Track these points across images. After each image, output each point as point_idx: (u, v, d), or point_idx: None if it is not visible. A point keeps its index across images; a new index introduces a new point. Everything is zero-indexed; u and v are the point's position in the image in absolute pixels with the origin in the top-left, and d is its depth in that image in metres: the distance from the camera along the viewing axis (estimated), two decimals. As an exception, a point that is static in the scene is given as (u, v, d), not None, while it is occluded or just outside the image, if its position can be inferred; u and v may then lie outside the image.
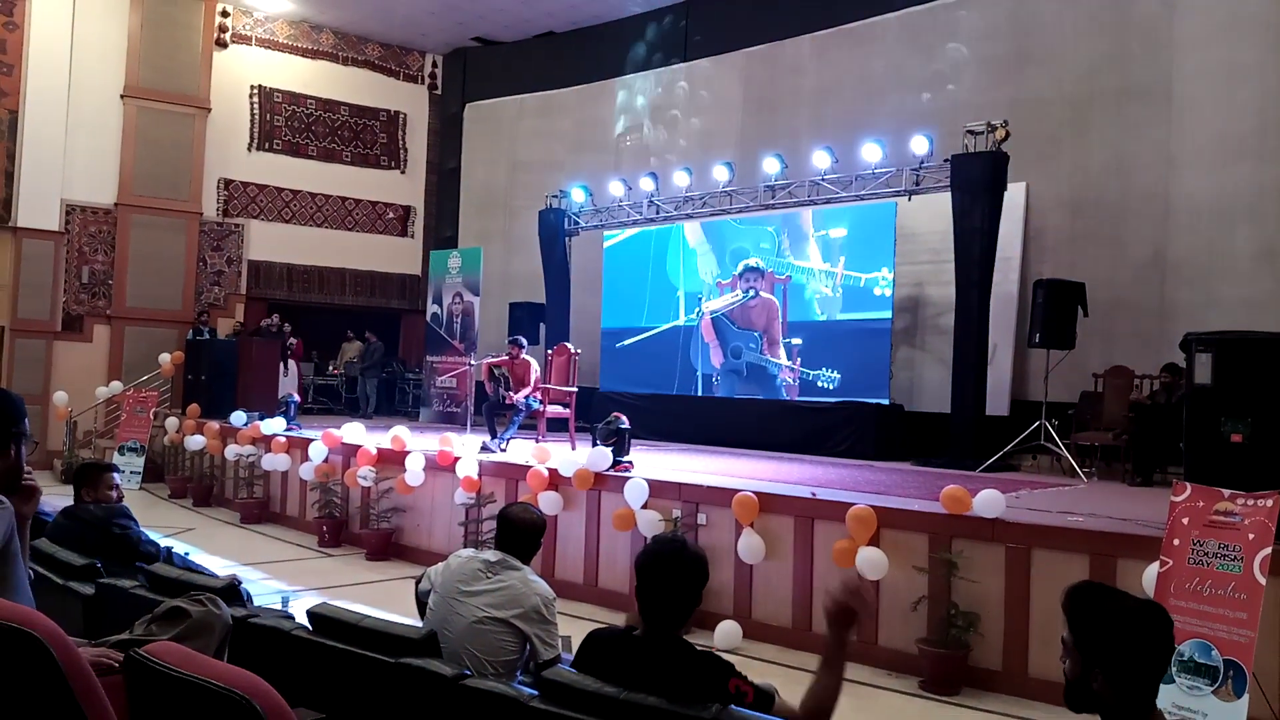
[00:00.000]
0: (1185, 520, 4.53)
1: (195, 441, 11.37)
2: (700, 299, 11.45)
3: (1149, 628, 1.93)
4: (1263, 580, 4.20)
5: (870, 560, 5.61)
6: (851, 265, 10.32)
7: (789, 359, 10.57)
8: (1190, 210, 9.55)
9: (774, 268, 10.91)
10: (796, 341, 10.57)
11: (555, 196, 13.44)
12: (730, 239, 11.50)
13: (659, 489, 6.78)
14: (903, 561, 5.62)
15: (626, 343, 12.34)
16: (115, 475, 4.75)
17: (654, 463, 8.18)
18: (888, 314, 10.08)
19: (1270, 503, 4.32)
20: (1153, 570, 4.59)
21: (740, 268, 11.21)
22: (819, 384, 10.34)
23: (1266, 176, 8.99)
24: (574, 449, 8.86)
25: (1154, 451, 8.06)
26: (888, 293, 10.10)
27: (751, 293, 10.95)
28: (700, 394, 11.51)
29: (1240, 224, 9.12)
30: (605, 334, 12.82)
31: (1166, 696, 4.14)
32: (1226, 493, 4.48)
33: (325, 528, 9.02)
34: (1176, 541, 4.52)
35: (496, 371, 9.52)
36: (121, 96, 14.27)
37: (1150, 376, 8.95)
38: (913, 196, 10.09)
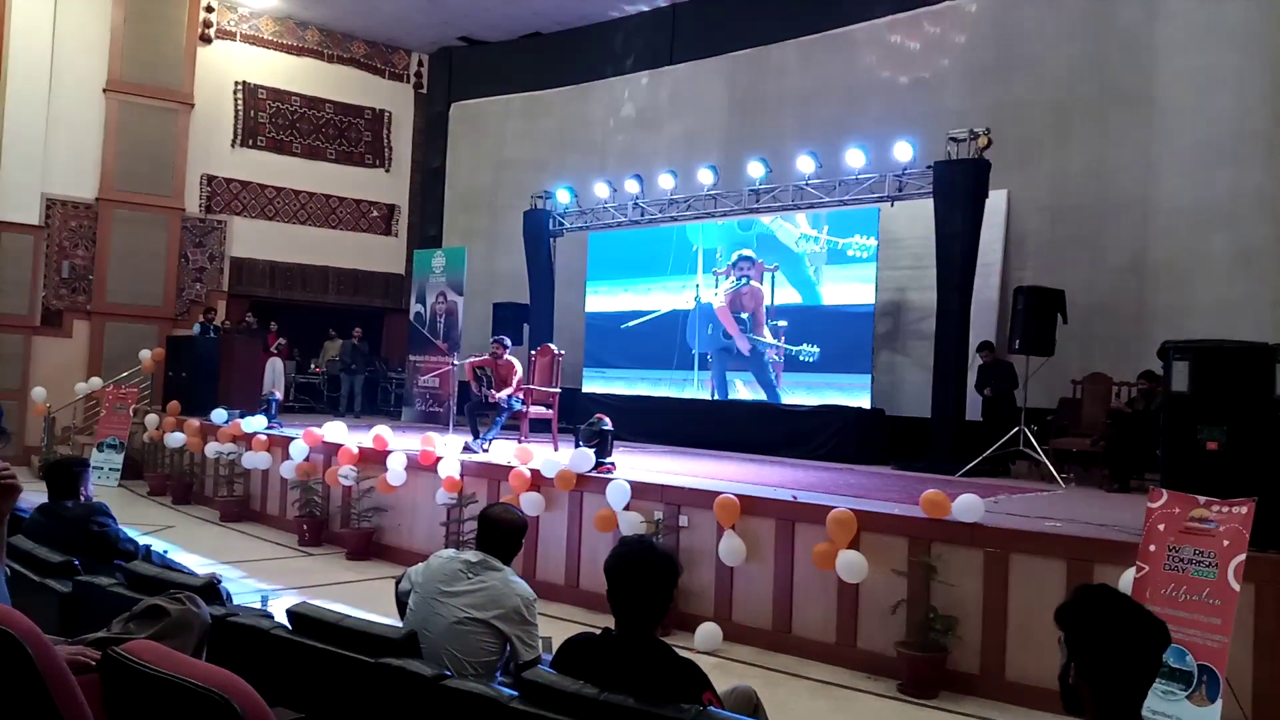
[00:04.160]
0: (1161, 526, 4.58)
1: (175, 439, 11.30)
2: (716, 255, 11.74)
3: (1135, 638, 1.91)
4: (1237, 586, 4.25)
5: (850, 563, 5.64)
6: (834, 233, 10.75)
7: (774, 339, 11.09)
8: (1169, 215, 9.65)
9: (769, 232, 11.32)
10: (782, 323, 11.03)
11: (540, 197, 13.44)
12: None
13: (641, 490, 6.79)
14: (882, 565, 5.65)
15: (631, 324, 12.54)
16: (90, 473, 4.71)
17: (636, 464, 8.18)
18: (869, 289, 10.38)
19: (1245, 509, 4.36)
20: (1129, 575, 4.63)
21: (735, 257, 11.55)
22: (801, 358, 10.79)
23: (1244, 181, 9.10)
24: (556, 450, 8.86)
25: (1131, 458, 8.14)
26: (864, 255, 10.39)
27: (745, 280, 11.39)
28: (696, 370, 11.79)
29: (1218, 229, 9.23)
30: (591, 316, 12.98)
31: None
32: (1202, 499, 4.53)
33: (306, 527, 8.98)
34: (1153, 547, 4.56)
35: (479, 371, 9.51)
36: (104, 90, 14.16)
37: (1128, 383, 9.04)
38: (895, 202, 10.15)
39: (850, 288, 10.51)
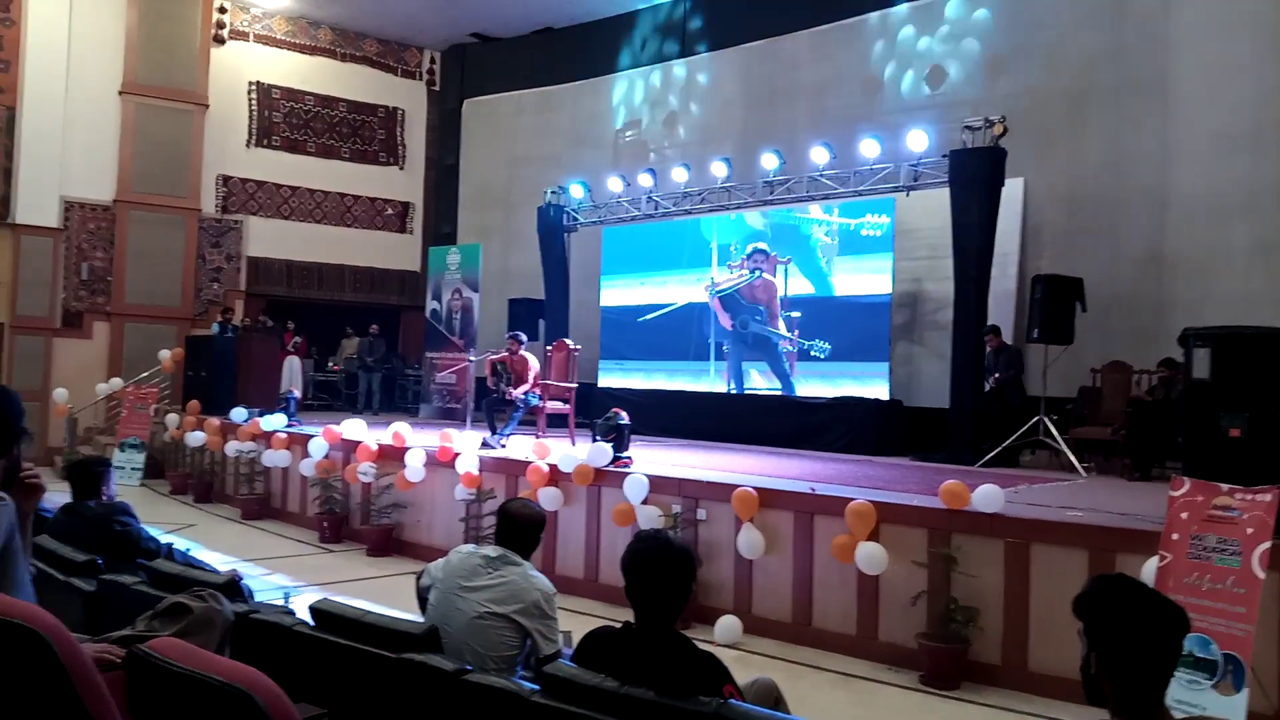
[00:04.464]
0: (1184, 515, 4.54)
1: (196, 438, 11.38)
2: (731, 249, 11.86)
3: (1153, 625, 1.89)
4: (1261, 574, 4.21)
5: (869, 555, 5.62)
6: (845, 215, 10.84)
7: (789, 330, 11.19)
8: (1187, 205, 9.56)
9: (781, 221, 11.45)
10: (795, 315, 11.10)
11: (554, 192, 13.43)
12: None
13: (659, 484, 6.79)
14: (902, 556, 5.63)
15: (648, 317, 12.60)
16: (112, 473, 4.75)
17: (654, 458, 8.18)
18: (881, 280, 10.41)
19: (1269, 497, 4.32)
20: (1152, 565, 4.60)
21: (750, 249, 11.63)
22: (812, 353, 10.86)
23: (1262, 172, 9.00)
24: (574, 445, 8.88)
25: (1152, 446, 8.07)
26: (876, 234, 10.43)
27: (757, 273, 11.50)
28: (713, 360, 11.87)
29: (1236, 219, 9.13)
30: (607, 310, 13.03)
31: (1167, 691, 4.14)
32: (1225, 487, 4.49)
33: (326, 524, 9.03)
34: (1175, 536, 4.53)
35: (498, 366, 9.54)
36: (119, 92, 14.25)
37: (1148, 371, 8.97)
38: (910, 192, 10.10)
39: (863, 278, 10.52)
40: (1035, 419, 8.70)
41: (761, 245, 11.48)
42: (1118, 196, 10.10)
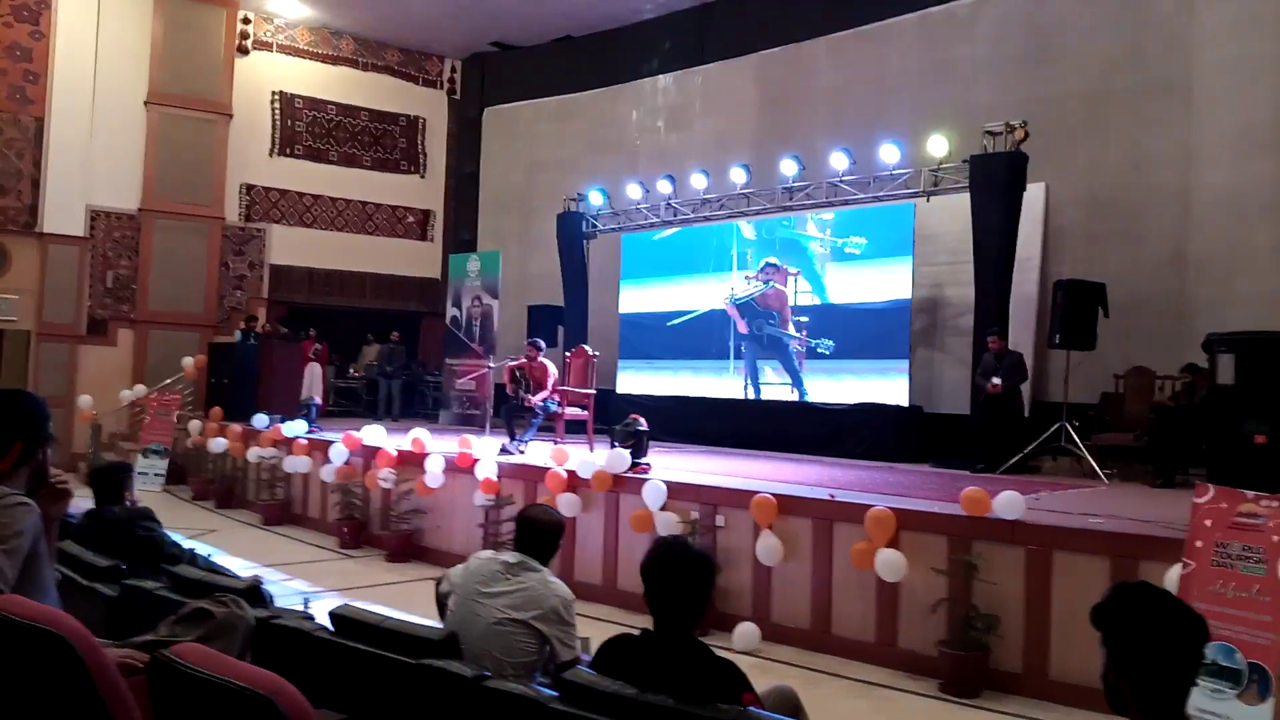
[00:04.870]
0: (1208, 522, 4.50)
1: (218, 444, 11.46)
2: (747, 257, 12.16)
3: (1171, 633, 1.87)
4: (1287, 582, 4.16)
5: (889, 562, 5.59)
6: (835, 234, 11.25)
7: (798, 333, 11.51)
8: (1210, 206, 9.47)
9: (786, 236, 11.84)
10: (804, 319, 11.40)
11: (573, 199, 13.48)
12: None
13: (677, 491, 6.79)
14: (922, 564, 5.60)
15: (675, 322, 12.74)
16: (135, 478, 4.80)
17: (672, 464, 8.18)
18: (881, 282, 10.65)
19: (1294, 504, 4.28)
20: (1175, 572, 4.55)
21: (762, 263, 11.90)
22: (819, 350, 11.19)
23: (1286, 172, 8.91)
24: (592, 451, 8.88)
25: (1175, 453, 7.98)
26: (857, 252, 10.83)
27: (770, 284, 11.79)
28: (732, 359, 12.07)
29: (1260, 219, 9.04)
30: (625, 317, 13.17)
31: (1189, 700, 4.10)
32: (1250, 494, 4.44)
33: (346, 529, 9.07)
34: (1199, 543, 4.48)
35: (517, 373, 9.57)
36: (145, 103, 14.42)
37: (1171, 377, 8.88)
38: (931, 197, 10.07)
39: (860, 286, 10.80)
40: (1057, 425, 8.64)
41: (773, 260, 11.73)
42: (1139, 198, 10.03)
